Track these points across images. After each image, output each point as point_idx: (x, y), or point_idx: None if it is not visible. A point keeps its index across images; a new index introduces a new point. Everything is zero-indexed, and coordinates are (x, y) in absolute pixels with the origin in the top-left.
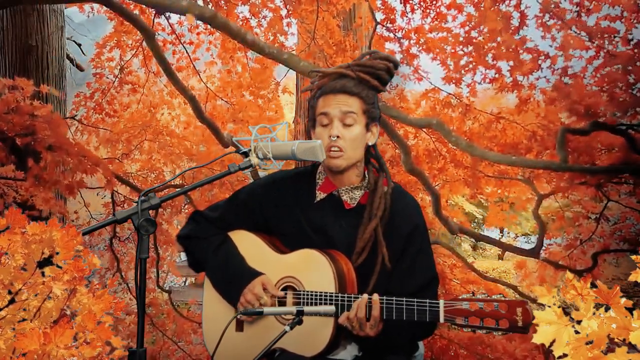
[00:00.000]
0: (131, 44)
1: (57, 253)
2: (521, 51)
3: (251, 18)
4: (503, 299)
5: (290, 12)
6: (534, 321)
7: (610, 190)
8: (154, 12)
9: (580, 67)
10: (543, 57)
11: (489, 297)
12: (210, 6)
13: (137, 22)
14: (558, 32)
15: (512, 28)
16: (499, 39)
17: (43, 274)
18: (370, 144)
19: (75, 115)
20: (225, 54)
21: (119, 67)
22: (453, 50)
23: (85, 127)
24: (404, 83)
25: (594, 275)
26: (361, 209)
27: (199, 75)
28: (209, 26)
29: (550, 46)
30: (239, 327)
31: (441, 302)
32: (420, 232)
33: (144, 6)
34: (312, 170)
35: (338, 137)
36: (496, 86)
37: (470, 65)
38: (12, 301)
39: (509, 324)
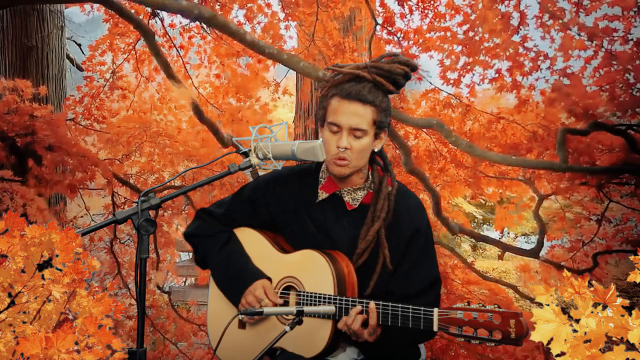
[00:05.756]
0: (124, 48)
1: (57, 255)
2: (521, 50)
3: (245, 23)
4: (497, 309)
5: (288, 15)
6: (532, 319)
7: (612, 191)
8: (149, 12)
9: (579, 67)
10: (542, 58)
11: (483, 307)
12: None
13: (137, 22)
14: (557, 33)
15: (512, 28)
16: (498, 40)
17: (42, 277)
18: (376, 150)
19: (73, 117)
20: (216, 58)
21: (110, 71)
22: (451, 48)
23: (83, 128)
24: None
25: (595, 276)
26: (364, 209)
27: (191, 79)
28: (201, 30)
29: (550, 47)
30: (242, 325)
31: (435, 310)
32: (422, 234)
33: (141, 7)
34: (317, 167)
35: (346, 148)
36: (496, 86)
37: (468, 67)
38: (11, 304)
39: (502, 335)
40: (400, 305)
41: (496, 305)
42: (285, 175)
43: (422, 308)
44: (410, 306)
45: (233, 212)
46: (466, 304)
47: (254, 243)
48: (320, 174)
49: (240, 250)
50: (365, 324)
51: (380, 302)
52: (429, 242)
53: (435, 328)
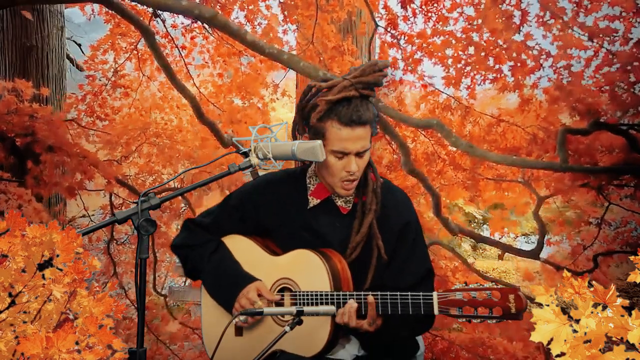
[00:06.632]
0: (125, 47)
1: (57, 255)
2: (523, 49)
3: (246, 24)
4: (495, 287)
5: (286, 17)
6: (532, 320)
7: (611, 194)
8: (150, 13)
9: (581, 67)
10: (545, 56)
11: (481, 286)
12: None
13: (137, 22)
14: (558, 32)
15: (513, 26)
16: (500, 41)
17: (43, 277)
18: None
19: (76, 115)
20: (218, 58)
21: (112, 70)
22: (456, 55)
23: (83, 129)
24: (408, 89)
25: (596, 278)
26: (354, 207)
27: (192, 80)
28: (203, 31)
29: (552, 44)
30: (238, 332)
31: (435, 294)
32: (412, 228)
33: (141, 7)
34: (302, 172)
35: (356, 172)
36: (497, 86)
37: (469, 68)
38: (12, 303)
39: (502, 311)
40: (398, 293)
41: (493, 283)
42: (273, 180)
43: (420, 293)
44: (409, 293)
45: (220, 220)
46: (464, 284)
47: (243, 249)
48: (308, 180)
49: (229, 257)
50: (364, 315)
51: (379, 292)
52: (418, 235)
53: (436, 311)
